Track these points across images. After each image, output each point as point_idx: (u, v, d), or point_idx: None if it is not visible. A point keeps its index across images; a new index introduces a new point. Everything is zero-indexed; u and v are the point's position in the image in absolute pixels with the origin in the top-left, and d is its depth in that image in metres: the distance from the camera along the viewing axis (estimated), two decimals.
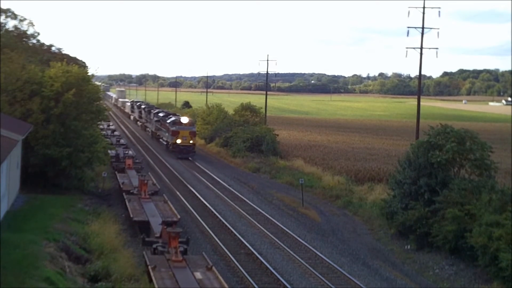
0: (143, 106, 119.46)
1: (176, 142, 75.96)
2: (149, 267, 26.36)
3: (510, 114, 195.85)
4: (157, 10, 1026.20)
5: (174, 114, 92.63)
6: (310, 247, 36.86)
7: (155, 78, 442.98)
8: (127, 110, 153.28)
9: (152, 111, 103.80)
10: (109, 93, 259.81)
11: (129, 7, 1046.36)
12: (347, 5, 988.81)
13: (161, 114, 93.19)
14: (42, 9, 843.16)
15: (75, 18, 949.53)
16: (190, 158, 74.19)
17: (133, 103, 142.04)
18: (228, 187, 56.16)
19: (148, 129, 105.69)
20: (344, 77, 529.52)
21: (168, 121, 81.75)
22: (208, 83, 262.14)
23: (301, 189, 51.02)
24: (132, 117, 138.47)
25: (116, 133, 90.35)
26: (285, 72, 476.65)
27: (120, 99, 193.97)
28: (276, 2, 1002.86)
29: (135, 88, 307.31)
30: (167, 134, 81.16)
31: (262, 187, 57.33)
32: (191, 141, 76.23)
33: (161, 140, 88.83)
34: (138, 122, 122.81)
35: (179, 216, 37.92)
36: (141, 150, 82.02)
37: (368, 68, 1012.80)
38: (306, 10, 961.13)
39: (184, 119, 78.58)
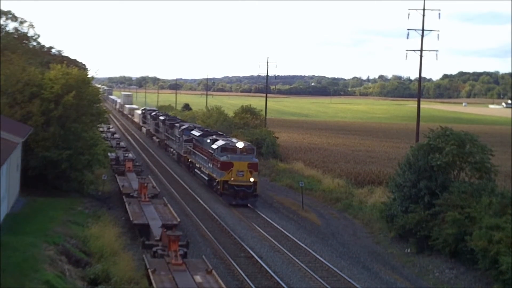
0: (161, 117, 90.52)
1: (228, 181, 50.10)
2: (149, 270, 26.32)
3: (510, 117, 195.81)
4: (158, 12, 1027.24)
5: (217, 133, 64.91)
6: (310, 250, 36.82)
7: (155, 80, 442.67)
8: (137, 119, 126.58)
9: (177, 125, 75.77)
10: (112, 97, 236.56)
11: (129, 9, 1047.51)
12: (347, 7, 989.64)
13: (196, 133, 64.40)
14: (42, 11, 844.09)
15: (75, 20, 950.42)
16: (250, 206, 49.51)
17: (145, 112, 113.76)
18: None
19: (172, 150, 78.38)
20: (344, 79, 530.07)
21: (213, 145, 53.97)
22: (208, 86, 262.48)
23: (301, 192, 50.99)
24: (144, 130, 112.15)
25: (116, 135, 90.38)
26: (285, 74, 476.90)
27: (127, 105, 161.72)
28: (276, 4, 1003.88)
29: (135, 91, 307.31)
30: (210, 165, 54.31)
31: (262, 190, 57.28)
32: (251, 179, 49.75)
33: (196, 171, 61.85)
34: (155, 138, 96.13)
35: (179, 219, 37.88)
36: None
37: (368, 70, 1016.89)
38: (306, 12, 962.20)
39: (240, 144, 52.17)
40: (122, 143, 79.14)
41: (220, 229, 41.81)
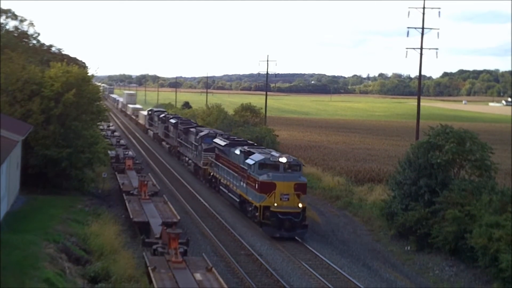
0: (172, 120, 78.59)
1: (269, 207, 39.50)
2: (149, 268, 26.34)
3: (510, 115, 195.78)
4: (157, 10, 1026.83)
5: (246, 142, 53.31)
6: (310, 248, 36.83)
7: (155, 78, 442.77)
8: (142, 121, 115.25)
9: (192, 130, 64.96)
10: (114, 96, 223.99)
11: (129, 8, 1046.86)
12: (347, 5, 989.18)
13: (220, 142, 52.86)
14: (42, 9, 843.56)
15: (75, 19, 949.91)
16: (298, 239, 39.06)
17: (152, 113, 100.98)
18: None
19: (186, 159, 67.57)
20: (344, 77, 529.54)
21: (248, 159, 43.18)
22: (208, 84, 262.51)
23: None
24: (151, 133, 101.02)
25: (116, 133, 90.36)
26: (285, 72, 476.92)
27: (130, 105, 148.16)
28: (276, 3, 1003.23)
29: (135, 89, 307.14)
30: (242, 183, 43.86)
31: None
32: (299, 204, 39.43)
33: (222, 188, 50.72)
34: (164, 143, 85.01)
35: (179, 217, 37.89)
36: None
37: (368, 68, 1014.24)
38: (306, 11, 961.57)
39: (283, 158, 41.45)
40: (122, 141, 79.09)
41: (220, 226, 41.84)
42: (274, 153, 43.99)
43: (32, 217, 34.81)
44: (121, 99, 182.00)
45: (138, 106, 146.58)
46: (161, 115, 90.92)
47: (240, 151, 46.14)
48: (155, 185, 49.28)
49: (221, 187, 51.07)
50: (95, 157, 46.22)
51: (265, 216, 39.44)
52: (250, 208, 42.59)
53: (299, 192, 39.67)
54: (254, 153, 43.79)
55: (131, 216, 37.92)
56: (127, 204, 41.01)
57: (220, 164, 51.03)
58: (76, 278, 26.04)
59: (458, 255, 35.03)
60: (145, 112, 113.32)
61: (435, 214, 36.84)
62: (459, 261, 34.86)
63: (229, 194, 48.08)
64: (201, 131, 61.23)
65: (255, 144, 53.66)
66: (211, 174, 54.78)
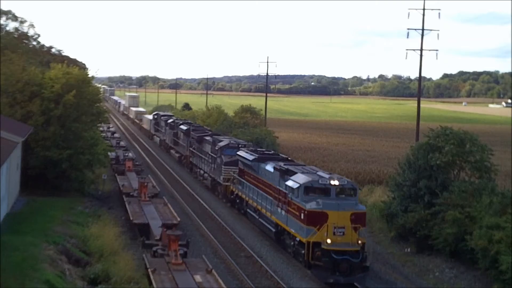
0: (183, 127, 70.66)
1: (320, 243, 31.39)
2: (149, 270, 26.35)
3: (510, 116, 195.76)
4: (157, 11, 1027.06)
5: (278, 155, 44.74)
6: None
7: (155, 80, 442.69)
8: (147, 126, 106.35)
9: (208, 139, 57.44)
10: (115, 98, 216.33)
11: (129, 9, 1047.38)
12: (347, 7, 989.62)
13: (247, 155, 44.00)
14: (42, 10, 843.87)
15: (75, 20, 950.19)
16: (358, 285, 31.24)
17: (158, 118, 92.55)
18: None
19: (201, 171, 59.28)
20: (344, 79, 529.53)
21: (288, 181, 34.76)
22: (208, 85, 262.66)
23: None
24: (157, 140, 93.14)
25: (116, 135, 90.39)
26: (285, 74, 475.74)
27: (133, 108, 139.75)
28: (276, 4, 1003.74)
29: (135, 90, 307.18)
30: (280, 210, 35.67)
31: None
32: (358, 240, 31.58)
33: (250, 212, 43.00)
34: (173, 152, 76.81)
35: (179, 219, 37.89)
36: None
37: (368, 70, 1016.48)
38: (306, 12, 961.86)
39: (335, 180, 33.24)
40: (122, 143, 79.13)
41: (220, 228, 41.81)
42: (321, 172, 35.16)
43: (32, 218, 34.80)
44: (123, 102, 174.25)
45: (141, 109, 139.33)
46: (169, 120, 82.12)
47: (275, 168, 37.90)
48: (155, 186, 49.29)
49: (248, 210, 43.05)
50: (95, 159, 46.25)
51: (314, 255, 31.16)
52: (292, 243, 34.26)
53: (358, 225, 31.47)
54: (294, 172, 35.13)
55: (131, 218, 37.93)
56: (127, 206, 41.01)
57: (247, 182, 43.13)
58: (76, 280, 26.04)
59: (458, 257, 34.99)
60: (150, 116, 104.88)
61: (435, 216, 36.81)
62: (459, 263, 34.83)
63: (261, 220, 39.80)
64: (220, 141, 52.87)
65: (289, 158, 44.26)
66: (235, 192, 46.66)
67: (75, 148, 44.50)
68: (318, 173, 34.93)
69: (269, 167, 39.10)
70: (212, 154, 53.03)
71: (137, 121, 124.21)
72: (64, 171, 44.46)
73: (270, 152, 45.96)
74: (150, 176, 55.08)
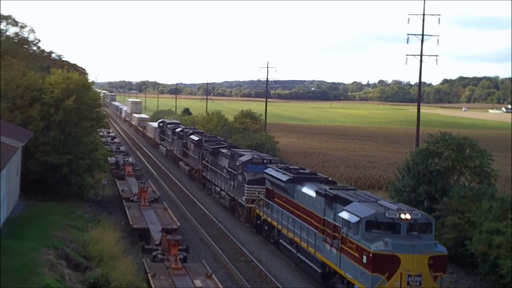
0: (194, 137, 64.17)
1: None
2: (149, 274, 26.35)
3: (510, 122, 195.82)
4: (158, 16, 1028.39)
5: (317, 176, 36.73)
6: None
7: (155, 85, 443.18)
8: (151, 134, 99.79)
9: (225, 152, 50.70)
10: (116, 103, 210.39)
11: (129, 14, 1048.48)
12: (347, 12, 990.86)
13: (279, 175, 36.99)
14: (42, 16, 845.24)
15: (76, 25, 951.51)
16: None
17: (164, 126, 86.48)
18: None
19: (217, 189, 52.06)
20: (344, 84, 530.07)
21: (342, 212, 27.48)
22: (208, 90, 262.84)
23: None
24: (163, 150, 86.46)
25: (116, 140, 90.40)
26: (285, 79, 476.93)
27: (136, 115, 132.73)
28: (276, 9, 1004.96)
29: (135, 95, 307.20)
30: (329, 247, 28.98)
31: None
32: None
33: (284, 243, 35.84)
34: (182, 164, 70.16)
35: (178, 224, 37.87)
36: None
37: (368, 75, 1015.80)
38: (307, 17, 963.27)
39: (405, 213, 26.00)
40: (122, 148, 79.12)
41: (219, 233, 41.79)
42: (383, 202, 27.90)
43: (32, 223, 34.79)
44: (124, 108, 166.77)
45: (144, 115, 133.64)
46: (178, 129, 75.07)
47: (318, 193, 30.96)
48: (154, 191, 49.27)
49: (282, 241, 35.85)
50: (95, 164, 46.24)
51: None
52: None
53: (439, 273, 25.31)
54: (347, 199, 27.99)
55: (131, 223, 37.91)
56: (126, 211, 41.00)
57: (277, 206, 36.40)
58: (75, 285, 26.02)
59: (458, 262, 34.98)
60: (155, 124, 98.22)
61: (435, 221, 36.76)
62: (459, 267, 34.83)
63: (300, 256, 32.87)
64: (241, 155, 45.80)
65: (329, 179, 36.55)
66: (261, 217, 39.59)
67: (75, 153, 44.50)
68: (379, 202, 27.69)
69: (309, 191, 32.34)
70: (231, 170, 46.29)
71: (140, 129, 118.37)
72: (64, 176, 44.46)
73: (305, 171, 37.66)
74: (150, 181, 55.05)
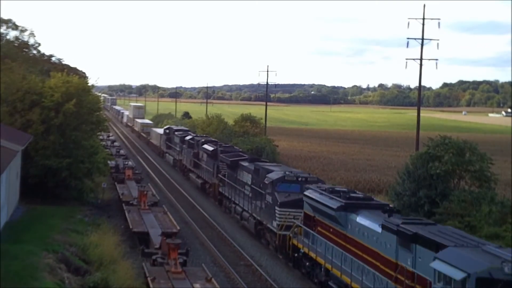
0: (207, 147, 57.59)
1: None
2: (149, 278, 26.34)
3: (510, 126, 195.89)
4: (158, 20, 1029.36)
5: (370, 200, 29.57)
6: None
7: (155, 88, 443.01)
8: (156, 141, 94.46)
9: (247, 165, 44.20)
10: (117, 107, 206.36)
11: (129, 18, 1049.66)
12: (347, 16, 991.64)
13: (320, 197, 30.25)
14: (42, 19, 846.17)
15: (76, 29, 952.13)
16: None
17: (171, 133, 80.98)
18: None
19: (237, 208, 45.09)
20: (344, 88, 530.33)
21: (437, 264, 19.73)
22: (208, 94, 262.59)
23: None
24: (170, 158, 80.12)
25: (116, 143, 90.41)
26: (285, 83, 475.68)
27: (139, 120, 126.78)
28: (276, 13, 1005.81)
29: (135, 99, 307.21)
30: None
31: None
32: None
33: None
34: (193, 176, 63.06)
35: (178, 227, 37.86)
36: None
37: (368, 79, 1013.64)
38: (306, 21, 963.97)
39: None
40: (122, 151, 79.10)
41: (219, 237, 41.77)
42: (490, 247, 20.38)
43: (31, 227, 34.77)
44: (126, 112, 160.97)
45: (147, 121, 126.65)
46: (187, 137, 68.81)
47: (386, 228, 23.98)
48: (154, 195, 49.26)
49: (332, 283, 28.29)
50: (94, 167, 46.23)
51: None
52: None
53: None
54: (437, 242, 21.13)
55: (131, 226, 37.90)
56: (126, 214, 40.99)
57: (323, 238, 29.01)
58: None
59: None
60: (160, 130, 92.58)
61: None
62: None
63: None
64: (269, 170, 38.94)
65: (389, 206, 29.01)
66: (301, 249, 31.65)
67: (74, 156, 44.49)
68: (485, 248, 20.20)
69: (371, 223, 25.46)
70: (256, 188, 39.95)
71: (144, 135, 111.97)
72: (64, 180, 44.45)
73: (358, 195, 29.93)
74: (150, 185, 55.03)
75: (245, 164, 44.76)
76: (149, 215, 40.77)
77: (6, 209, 34.47)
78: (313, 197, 30.85)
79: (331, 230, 28.88)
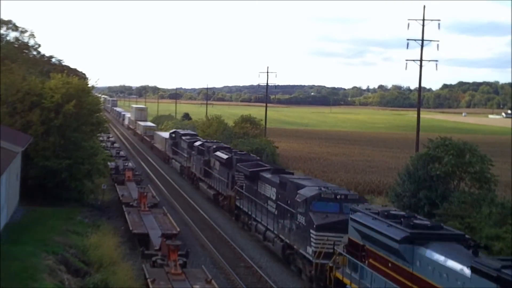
0: (221, 155, 52.17)
1: None
2: (148, 280, 26.30)
3: (510, 127, 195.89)
4: (158, 21, 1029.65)
5: (440, 228, 22.90)
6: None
7: (155, 89, 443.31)
8: (161, 146, 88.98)
9: (269, 178, 38.87)
10: (118, 109, 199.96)
11: (129, 19, 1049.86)
12: (347, 16, 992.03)
13: (373, 223, 24.03)
14: (42, 20, 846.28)
15: (76, 30, 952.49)
16: None
17: (178, 137, 75.14)
18: None
19: (261, 227, 39.34)
20: (344, 89, 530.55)
21: None
22: (208, 95, 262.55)
23: None
24: (176, 165, 74.42)
25: (116, 145, 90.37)
26: (285, 84, 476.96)
27: (141, 123, 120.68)
28: (276, 14, 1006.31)
29: (135, 100, 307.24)
30: None
31: None
32: None
33: None
34: (204, 186, 57.21)
35: (178, 229, 37.83)
36: None
37: (368, 80, 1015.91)
38: (306, 22, 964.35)
39: None
40: (122, 152, 79.04)
41: (219, 238, 41.73)
42: None
43: (31, 228, 34.74)
44: (128, 114, 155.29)
45: (150, 123, 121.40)
46: (197, 143, 63.06)
47: (479, 272, 18.08)
48: (154, 196, 49.23)
49: None
50: (94, 169, 46.19)
51: None
52: None
53: None
54: None
55: (131, 228, 37.85)
56: (126, 216, 40.95)
57: (379, 275, 23.40)
58: None
59: None
60: (165, 134, 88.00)
61: None
62: None
63: None
64: (300, 185, 32.97)
65: (466, 236, 22.71)
66: (348, 286, 25.67)
67: (74, 158, 44.47)
68: None
69: (454, 264, 19.55)
70: (283, 205, 34.30)
71: (147, 138, 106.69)
72: (64, 181, 44.42)
73: (425, 222, 23.48)
74: (150, 186, 54.99)
75: (268, 175, 39.15)
76: (149, 216, 40.74)
77: (6, 210, 34.45)
78: (364, 222, 24.76)
79: (389, 265, 23.05)
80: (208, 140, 65.93)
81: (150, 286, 25.68)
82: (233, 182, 47.03)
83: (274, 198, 36.57)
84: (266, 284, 31.82)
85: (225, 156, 50.58)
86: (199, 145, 61.44)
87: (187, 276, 27.19)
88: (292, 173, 41.78)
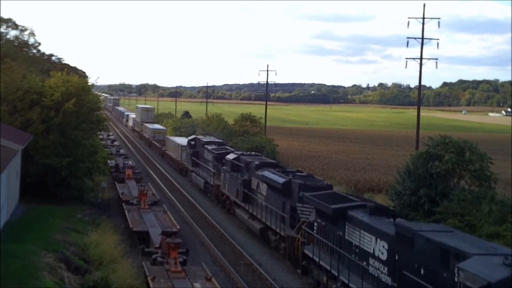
0: (273, 177, 37.25)
1: None
2: (148, 277, 26.32)
3: (510, 125, 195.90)
4: (158, 20, 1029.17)
5: None
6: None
7: (155, 88, 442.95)
8: (175, 154, 74.02)
9: (364, 221, 24.00)
10: (120, 108, 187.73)
11: (129, 17, 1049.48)
12: (347, 14, 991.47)
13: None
14: (42, 18, 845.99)
15: (76, 28, 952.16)
16: None
17: (199, 145, 62.22)
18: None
19: (317, 276, 28.97)
20: (344, 87, 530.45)
21: None
22: (208, 93, 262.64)
23: None
24: (197, 179, 59.78)
25: (116, 143, 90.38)
26: (285, 82, 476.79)
27: (149, 125, 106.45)
28: (276, 12, 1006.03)
29: (135, 98, 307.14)
30: None
31: None
32: None
33: None
34: (245, 216, 42.61)
35: (178, 227, 37.85)
36: None
37: (368, 78, 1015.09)
38: (306, 19, 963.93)
39: None
40: (122, 151, 79.03)
41: (219, 236, 41.76)
42: None
43: (31, 226, 34.76)
44: (132, 115, 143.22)
45: (159, 126, 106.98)
46: (231, 156, 48.40)
47: None
48: (154, 194, 49.24)
49: None
50: (94, 167, 46.19)
51: None
52: None
53: None
54: None
55: (131, 226, 37.89)
56: (126, 214, 40.98)
57: None
58: None
59: None
60: (181, 141, 73.94)
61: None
62: None
63: None
64: (456, 251, 18.39)
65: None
66: None
67: (74, 156, 44.47)
68: None
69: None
70: (412, 277, 20.15)
71: (155, 143, 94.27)
72: (64, 179, 44.43)
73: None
74: (150, 184, 55.00)
75: (363, 218, 24.81)
76: (149, 214, 40.77)
77: (6, 209, 34.46)
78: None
79: None
80: (245, 153, 49.87)
81: (150, 284, 25.71)
82: (293, 217, 34.17)
83: (384, 258, 22.67)
84: (266, 281, 31.86)
85: (281, 180, 35.95)
86: (234, 159, 47.10)
87: (187, 274, 27.21)
88: (391, 210, 27.70)
